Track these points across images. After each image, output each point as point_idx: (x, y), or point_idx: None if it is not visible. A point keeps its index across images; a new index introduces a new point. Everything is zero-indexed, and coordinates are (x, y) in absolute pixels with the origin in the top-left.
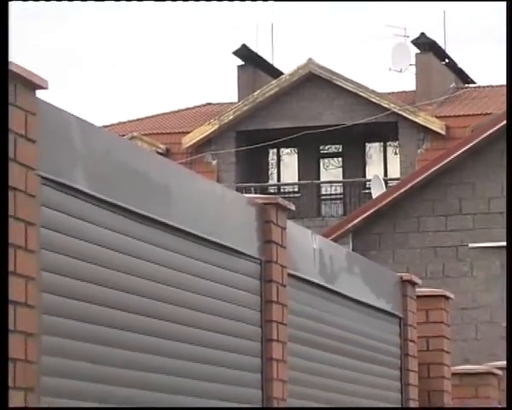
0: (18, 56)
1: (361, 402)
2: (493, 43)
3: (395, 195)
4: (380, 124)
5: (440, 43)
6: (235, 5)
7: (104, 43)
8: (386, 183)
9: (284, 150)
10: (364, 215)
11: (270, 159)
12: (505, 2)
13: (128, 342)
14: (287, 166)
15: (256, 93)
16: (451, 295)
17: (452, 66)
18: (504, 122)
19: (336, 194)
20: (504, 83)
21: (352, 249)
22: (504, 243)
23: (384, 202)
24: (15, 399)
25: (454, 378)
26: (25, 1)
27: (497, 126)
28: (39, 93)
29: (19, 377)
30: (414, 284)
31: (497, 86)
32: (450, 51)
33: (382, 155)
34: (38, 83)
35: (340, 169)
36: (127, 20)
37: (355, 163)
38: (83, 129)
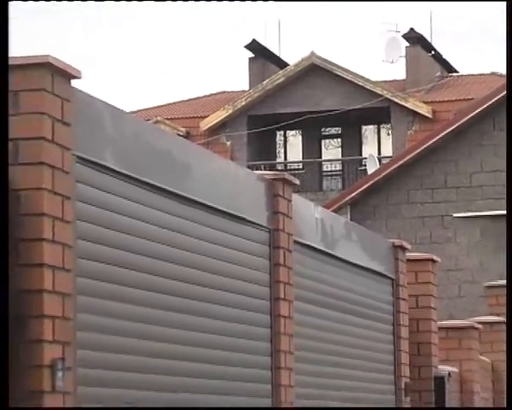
0: (53, 48)
1: (358, 353)
2: (474, 36)
3: (388, 171)
4: (374, 109)
5: (427, 37)
6: (246, 5)
7: (133, 38)
8: (379, 160)
9: (290, 132)
10: (361, 189)
11: (277, 140)
12: (505, 2)
13: (153, 301)
14: (292, 146)
15: (265, 82)
16: (438, 259)
17: (438, 57)
18: (484, 106)
19: (336, 170)
20: (484, 72)
21: (350, 219)
22: (484, 213)
23: (378, 178)
24: (54, 351)
25: (440, 332)
26: (34, 0)
27: (478, 110)
28: (74, 82)
29: (57, 332)
30: (404, 249)
31: (477, 75)
32: (436, 44)
33: (376, 136)
34: (73, 73)
35: (339, 149)
36: (153, 19)
37: (352, 143)
38: (112, 114)
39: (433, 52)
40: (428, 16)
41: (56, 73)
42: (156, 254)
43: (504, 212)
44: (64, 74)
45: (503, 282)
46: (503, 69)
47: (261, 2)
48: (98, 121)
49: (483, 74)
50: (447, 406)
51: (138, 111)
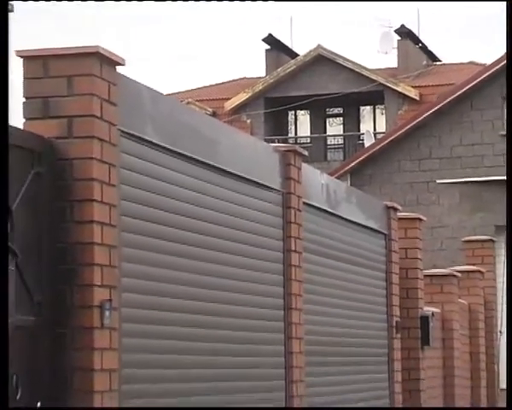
0: (101, 39)
1: (357, 297)
2: (455, 31)
3: (382, 144)
4: (370, 92)
5: (415, 31)
6: (263, 4)
7: (168, 34)
8: (375, 136)
9: (300, 112)
10: (359, 160)
11: (289, 118)
12: (505, 3)
13: (184, 252)
14: (301, 124)
15: (279, 70)
16: (423, 218)
17: (424, 48)
18: (463, 90)
19: (338, 144)
20: (463, 61)
21: (350, 185)
22: (462, 180)
23: (373, 150)
24: (102, 294)
25: (425, 279)
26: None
27: (457, 93)
28: (118, 68)
29: (105, 278)
30: (396, 209)
31: (457, 63)
32: (423, 38)
33: (372, 115)
34: (118, 61)
35: (341, 126)
36: (184, 17)
37: (352, 121)
38: (151, 95)
39: (420, 44)
40: (416, 14)
41: (104, 60)
42: (187, 213)
43: (479, 179)
44: (110, 62)
45: (478, 237)
46: (479, 59)
47: (276, 1)
48: (139, 101)
49: (462, 63)
50: (431, 339)
51: (172, 94)
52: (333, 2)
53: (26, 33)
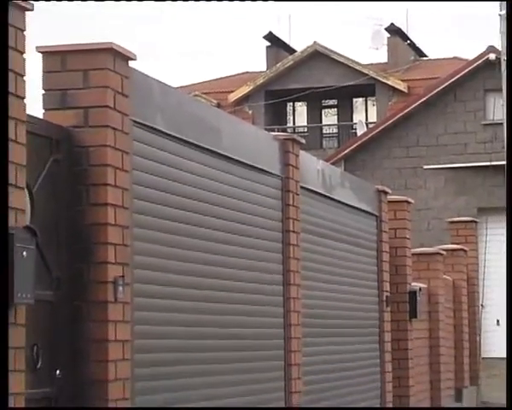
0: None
1: (350, 273)
2: (440, 29)
3: (373, 133)
4: (363, 85)
5: (404, 29)
6: (265, 4)
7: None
8: (367, 125)
9: (297, 103)
10: (352, 147)
11: (287, 109)
12: (505, 3)
13: (189, 232)
14: (299, 114)
15: (278, 64)
16: (411, 201)
17: (412, 45)
18: (447, 83)
19: (333, 133)
20: (448, 56)
21: (344, 170)
22: (447, 166)
23: (365, 138)
24: (116, 271)
25: (413, 257)
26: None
27: (442, 86)
28: (131, 63)
29: (118, 255)
30: (386, 193)
31: (442, 59)
32: (411, 35)
33: (364, 106)
34: (130, 56)
35: (336, 116)
36: (189, 16)
37: (346, 112)
38: (160, 88)
39: (408, 41)
40: (405, 13)
41: (117, 55)
42: (193, 196)
43: (463, 165)
44: (123, 57)
45: (462, 218)
46: (463, 54)
47: (276, 1)
48: (149, 93)
49: (447, 58)
50: (418, 312)
51: (179, 87)
52: (328, 3)
53: (32, 31)
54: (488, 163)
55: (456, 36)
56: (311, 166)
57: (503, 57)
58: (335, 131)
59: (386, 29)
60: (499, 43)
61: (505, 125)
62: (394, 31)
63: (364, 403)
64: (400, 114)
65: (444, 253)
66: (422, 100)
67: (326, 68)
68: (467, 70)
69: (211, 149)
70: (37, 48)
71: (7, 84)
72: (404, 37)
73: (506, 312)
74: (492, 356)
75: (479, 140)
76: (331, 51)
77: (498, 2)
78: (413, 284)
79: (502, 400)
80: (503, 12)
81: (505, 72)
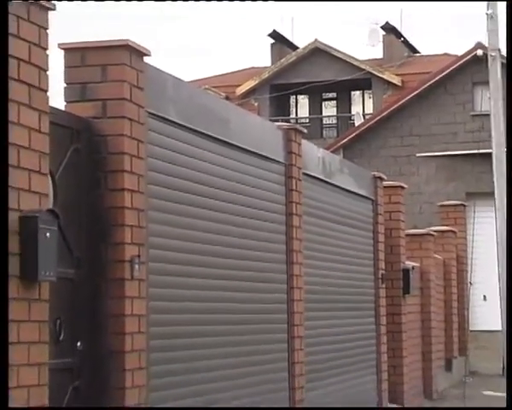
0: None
1: (348, 252)
2: (432, 26)
3: (369, 124)
4: (360, 79)
5: (398, 27)
6: (269, 4)
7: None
8: (364, 116)
9: (300, 96)
10: (350, 137)
11: (290, 102)
12: (505, 2)
13: (201, 215)
14: (301, 106)
15: (282, 60)
16: (405, 186)
17: (406, 42)
18: (438, 77)
19: (332, 123)
20: (438, 53)
21: (343, 158)
22: (438, 153)
23: (362, 128)
24: (132, 250)
25: (406, 237)
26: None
27: (434, 80)
28: (145, 58)
29: (134, 236)
30: (381, 179)
31: (434, 55)
32: (405, 33)
33: (361, 98)
34: (145, 52)
35: (335, 108)
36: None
37: (344, 104)
38: (173, 81)
39: (402, 39)
40: (399, 12)
41: (133, 52)
42: (204, 182)
43: (452, 153)
44: (138, 53)
45: (452, 202)
46: (452, 50)
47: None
48: (163, 87)
49: (438, 54)
50: (411, 288)
51: (190, 81)
52: (328, 3)
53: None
54: (476, 151)
55: (447, 33)
56: (313, 153)
57: (490, 53)
58: (335, 121)
59: (381, 27)
60: (486, 40)
61: (504, 123)
62: (389, 29)
63: (361, 372)
64: (395, 106)
65: (435, 234)
66: (415, 93)
67: (326, 64)
68: (456, 65)
69: (220, 138)
70: (59, 45)
71: (7, 84)
72: (399, 34)
73: (506, 307)
74: (479, 329)
75: (467, 130)
76: (331, 48)
77: (486, 2)
78: (406, 262)
79: (488, 369)
80: (490, 11)
81: (490, 66)
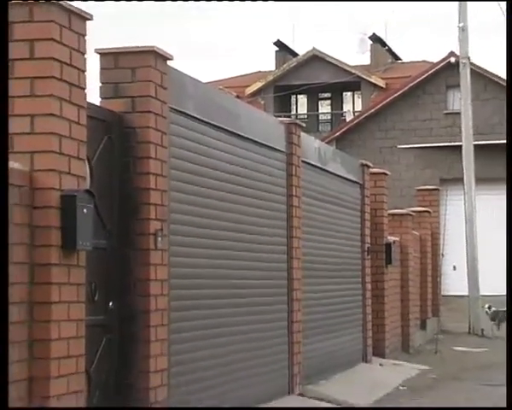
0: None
1: (340, 229)
2: (412, 37)
3: (358, 120)
4: (351, 82)
5: (383, 37)
6: (274, 17)
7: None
8: (353, 113)
9: (299, 96)
10: (342, 130)
11: (292, 100)
12: (505, 2)
13: (215, 195)
14: (301, 105)
15: (284, 65)
16: (388, 173)
17: (389, 50)
18: (417, 80)
19: (327, 119)
20: (417, 59)
21: (336, 148)
22: (417, 145)
23: (352, 124)
24: (156, 225)
25: (389, 217)
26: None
27: (413, 83)
28: (169, 62)
29: (158, 213)
30: (368, 166)
31: (413, 61)
32: (389, 42)
33: (352, 98)
34: (168, 57)
35: (330, 106)
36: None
37: (337, 103)
38: (192, 82)
39: (386, 47)
40: (384, 25)
41: (158, 56)
42: (217, 167)
43: (429, 145)
44: (163, 57)
45: (427, 187)
46: (429, 57)
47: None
48: (183, 86)
49: (417, 61)
50: (392, 259)
51: (206, 82)
52: (324, 16)
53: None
54: (448, 144)
55: (424, 42)
56: (310, 144)
57: (461, 60)
58: (329, 118)
59: (369, 38)
60: (458, 48)
61: (471, 121)
62: (376, 39)
63: (350, 330)
64: (380, 105)
65: (413, 214)
66: (397, 94)
67: (322, 68)
68: (432, 70)
69: (231, 130)
70: (95, 50)
71: (7, 82)
72: (384, 44)
73: (506, 304)
74: (449, 294)
75: (441, 126)
76: (326, 55)
77: (457, 16)
78: (388, 237)
79: (456, 328)
80: (461, 24)
81: (461, 72)
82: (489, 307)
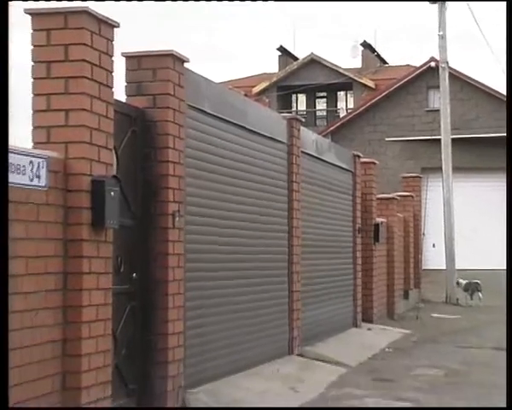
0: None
1: (334, 211)
2: (398, 44)
3: (350, 116)
4: (344, 82)
5: (373, 44)
6: (279, 26)
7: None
8: (346, 110)
9: (299, 95)
10: (336, 125)
11: (292, 99)
12: (505, 2)
13: (226, 181)
14: (300, 102)
15: (286, 68)
16: (377, 162)
17: (378, 55)
18: (401, 82)
19: (323, 115)
20: (401, 64)
21: (331, 141)
22: (401, 139)
23: (345, 119)
24: (174, 206)
25: (377, 200)
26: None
27: (398, 84)
28: (185, 64)
29: (176, 196)
30: (359, 156)
31: (398, 65)
32: (378, 48)
33: (345, 97)
34: (185, 59)
35: (325, 104)
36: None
37: (332, 101)
38: (206, 82)
39: (375, 53)
40: (374, 33)
41: (176, 59)
42: (227, 157)
43: (412, 138)
44: (180, 60)
45: (411, 174)
46: (412, 62)
47: (283, 1)
48: (198, 85)
49: (402, 65)
50: (380, 238)
51: (218, 82)
52: (321, 25)
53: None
54: (429, 137)
55: (409, 48)
56: (308, 137)
57: (441, 65)
58: (325, 114)
59: (361, 44)
60: (438, 54)
61: (450, 117)
62: (366, 45)
63: (342, 299)
64: (369, 103)
65: (398, 198)
66: (385, 93)
67: (319, 71)
68: (415, 73)
69: (240, 124)
70: (122, 53)
71: (7, 81)
72: (373, 50)
73: (506, 300)
74: (429, 268)
75: (423, 121)
76: (323, 59)
77: (437, 25)
78: (376, 219)
79: (435, 298)
80: (441, 33)
81: (440, 75)
82: (457, 283)
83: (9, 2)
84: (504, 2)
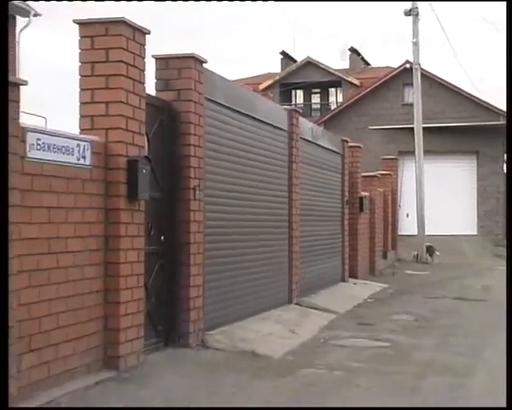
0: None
1: (327, 186)
2: (379, 48)
3: (339, 109)
4: (334, 81)
5: (358, 49)
6: (281, 34)
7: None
8: (337, 104)
9: (298, 91)
10: (328, 116)
11: (292, 94)
12: (505, 3)
13: (237, 161)
14: (298, 97)
15: (287, 69)
16: (362, 146)
17: (362, 58)
18: (383, 80)
19: (317, 108)
20: (382, 65)
21: (324, 128)
22: (382, 127)
23: (335, 111)
24: (195, 182)
25: (362, 178)
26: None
27: (380, 82)
28: (204, 64)
29: (196, 174)
30: (347, 141)
31: (380, 67)
32: (362, 52)
33: (335, 93)
34: (204, 60)
35: (319, 98)
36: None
37: (325, 96)
38: (221, 79)
39: (361, 56)
40: (360, 40)
41: (197, 60)
42: (239, 141)
43: (391, 127)
44: (200, 61)
45: (390, 156)
46: (392, 63)
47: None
48: (214, 82)
49: (382, 66)
50: (364, 208)
51: (232, 80)
52: (316, 33)
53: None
54: (405, 126)
55: (388, 52)
56: (305, 125)
57: (414, 66)
58: (319, 107)
59: (348, 49)
60: (412, 57)
61: (421, 111)
62: (353, 50)
63: (332, 258)
64: (356, 98)
65: (379, 176)
66: (368, 89)
67: (314, 71)
68: (393, 73)
69: (249, 114)
70: (152, 55)
71: (7, 80)
72: (358, 54)
73: (506, 299)
74: (404, 234)
75: (400, 113)
76: (317, 61)
77: (411, 32)
78: (361, 193)
79: (407, 258)
80: (415, 40)
81: (414, 74)
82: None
83: (10, 2)
84: (504, 3)
